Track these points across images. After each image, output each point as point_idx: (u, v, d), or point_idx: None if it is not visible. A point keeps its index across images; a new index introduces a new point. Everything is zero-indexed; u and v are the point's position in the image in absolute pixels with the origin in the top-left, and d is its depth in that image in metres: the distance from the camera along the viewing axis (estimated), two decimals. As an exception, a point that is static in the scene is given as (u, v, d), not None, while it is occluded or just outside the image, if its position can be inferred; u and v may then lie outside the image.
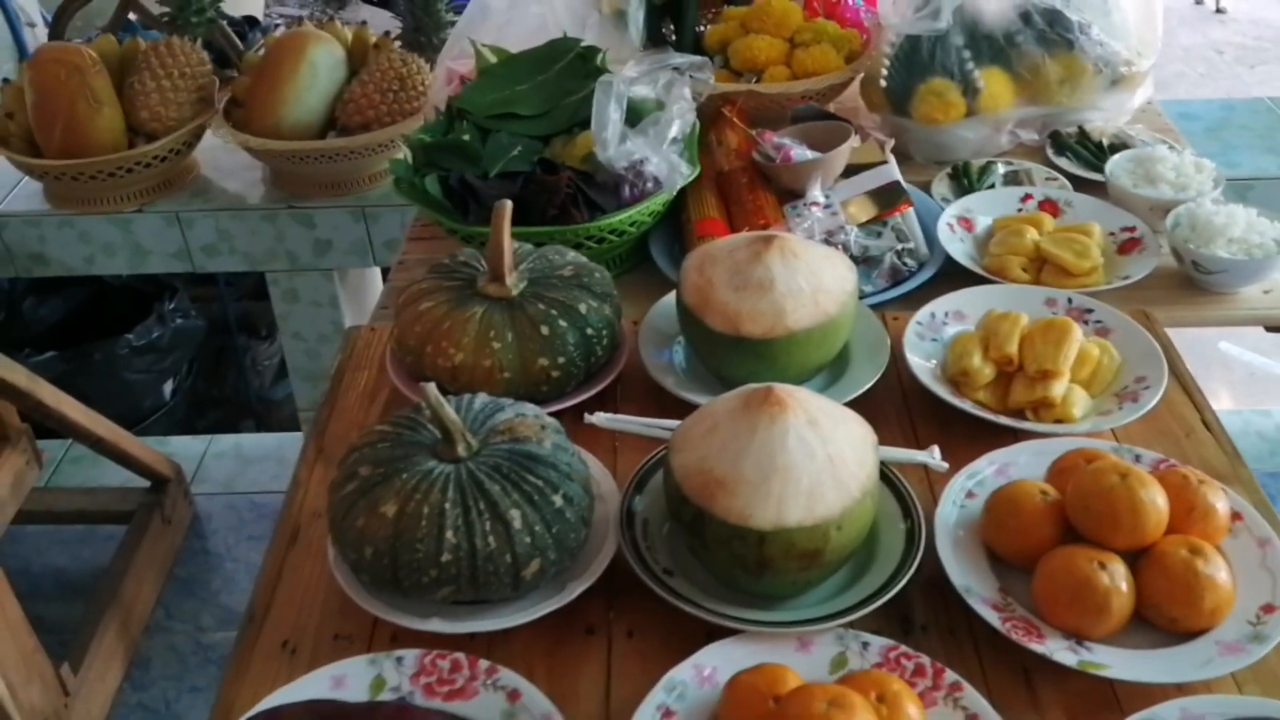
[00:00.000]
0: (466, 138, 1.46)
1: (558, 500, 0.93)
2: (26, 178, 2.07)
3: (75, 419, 2.01)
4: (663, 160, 1.37)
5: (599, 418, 1.10)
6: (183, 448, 2.61)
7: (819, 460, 0.90)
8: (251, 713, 0.84)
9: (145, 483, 2.34)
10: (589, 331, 1.15)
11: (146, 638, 2.18)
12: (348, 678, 0.89)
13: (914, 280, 1.37)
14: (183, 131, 1.98)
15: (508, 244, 1.14)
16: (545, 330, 1.13)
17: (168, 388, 2.93)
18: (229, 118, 1.99)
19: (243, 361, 3.19)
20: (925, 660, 0.88)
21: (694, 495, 0.91)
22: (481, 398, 1.01)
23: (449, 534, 0.90)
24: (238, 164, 2.13)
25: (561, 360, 1.13)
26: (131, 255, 2.06)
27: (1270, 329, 1.34)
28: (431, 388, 0.93)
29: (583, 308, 1.15)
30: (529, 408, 1.00)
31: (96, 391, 2.28)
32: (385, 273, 2.28)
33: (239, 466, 2.59)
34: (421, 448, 0.95)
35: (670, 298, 1.26)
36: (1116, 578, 0.89)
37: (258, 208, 2.02)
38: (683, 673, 0.88)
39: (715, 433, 0.93)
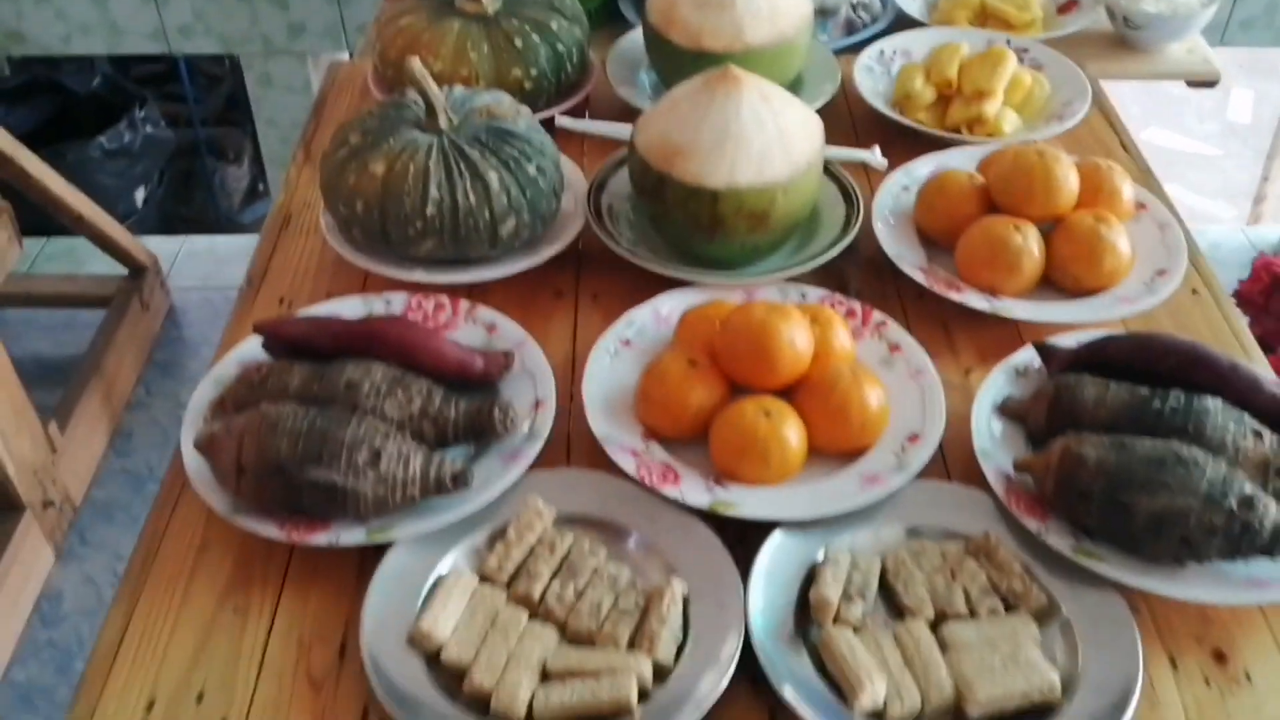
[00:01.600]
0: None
1: (531, 169, 1.03)
2: (1, -48, 2.09)
3: (57, 192, 2.07)
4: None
5: (567, 120, 1.19)
6: (158, 245, 2.67)
7: (769, 131, 1.00)
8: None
9: (124, 271, 2.41)
10: (559, 48, 1.23)
11: (128, 412, 2.27)
12: (341, 313, 0.98)
13: (867, 31, 1.45)
14: (158, -94, 2.00)
15: (485, -38, 1.21)
16: (519, 43, 1.21)
17: (139, 195, 2.97)
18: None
19: (212, 182, 3.23)
20: (857, 305, 0.99)
21: (655, 162, 1.01)
22: (461, 87, 1.09)
23: (433, 189, 0.99)
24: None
25: (534, 72, 1.21)
26: (108, 35, 2.09)
27: (1191, 84, 1.44)
28: (415, 61, 1.01)
29: (554, 25, 1.23)
30: (504, 96, 1.09)
31: (69, 192, 2.31)
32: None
33: (214, 265, 2.66)
34: (407, 122, 1.04)
35: (635, 33, 1.34)
36: (1029, 240, 1.00)
37: (233, -13, 2.06)
38: (641, 312, 0.99)
39: (676, 109, 1.02)
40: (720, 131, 0.99)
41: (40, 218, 2.30)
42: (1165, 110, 3.71)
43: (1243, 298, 1.66)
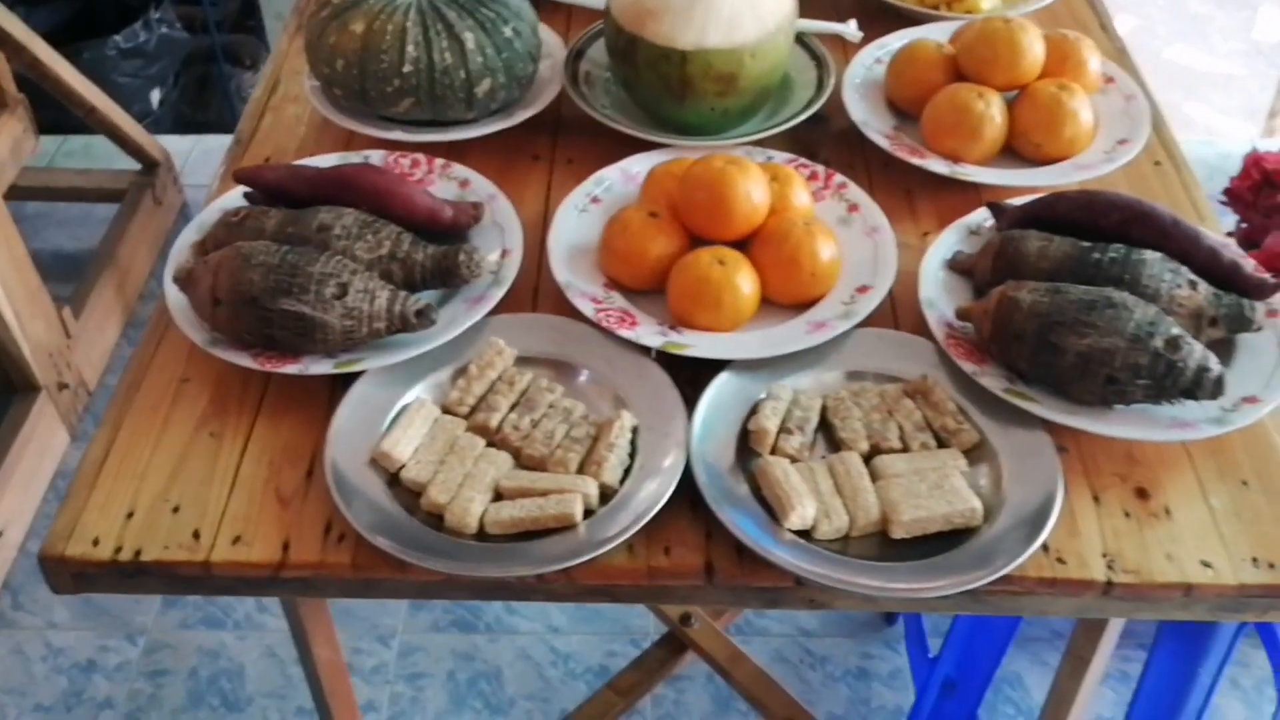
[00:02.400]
0: None
1: (508, 31, 1.05)
2: None
3: (70, 82, 2.11)
4: None
5: (551, -8, 1.21)
6: (172, 144, 2.71)
7: (739, -5, 1.02)
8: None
9: (137, 167, 2.46)
10: (546, -78, 1.25)
11: (142, 304, 2.33)
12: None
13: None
14: None
15: None
16: (505, -84, 1.22)
17: (155, 96, 3.00)
18: None
19: (227, 88, 3.26)
20: (820, 169, 1.02)
21: (627, 24, 1.03)
22: (443, -45, 1.11)
23: (410, 48, 1.02)
24: None
25: (518, -54, 1.23)
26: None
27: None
28: (396, -77, 1.04)
29: (540, -102, 1.24)
30: (485, -37, 1.11)
31: (85, 91, 2.34)
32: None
33: (226, 163, 2.69)
34: (388, -15, 1.06)
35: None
36: (992, 107, 1.02)
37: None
38: (610, 172, 1.02)
39: (649, -26, 1.04)
40: (690, -5, 1.01)
41: (58, 116, 2.33)
42: (1189, 29, 3.65)
43: (1232, 194, 1.67)
